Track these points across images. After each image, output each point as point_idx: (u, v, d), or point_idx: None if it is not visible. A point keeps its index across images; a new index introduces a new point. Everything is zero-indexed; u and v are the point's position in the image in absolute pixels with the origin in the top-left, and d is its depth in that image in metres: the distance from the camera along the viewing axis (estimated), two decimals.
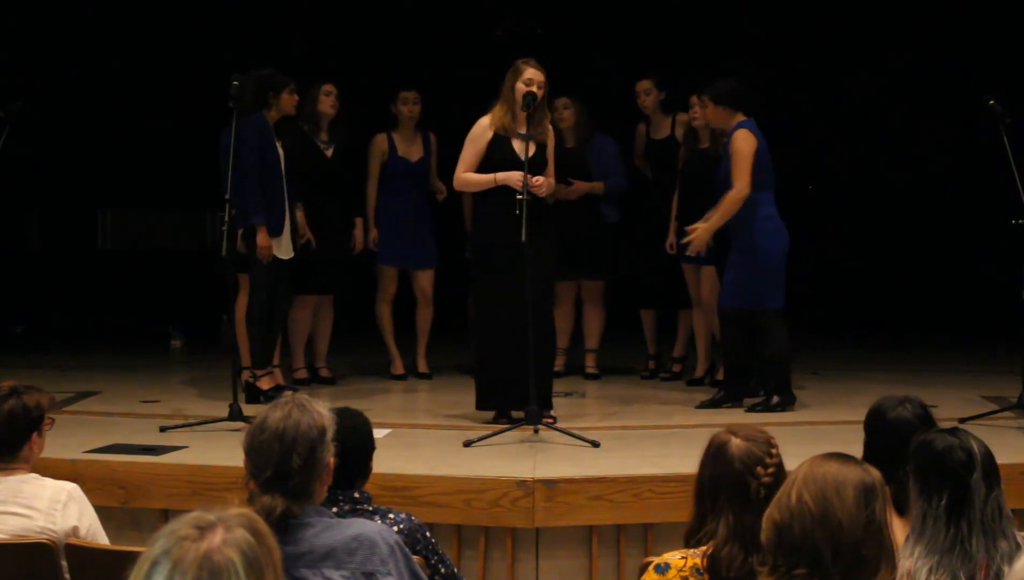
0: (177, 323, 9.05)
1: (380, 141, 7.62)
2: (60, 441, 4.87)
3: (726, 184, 6.43)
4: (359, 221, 7.53)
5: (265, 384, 6.57)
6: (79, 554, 3.46)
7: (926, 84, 10.09)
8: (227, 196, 5.87)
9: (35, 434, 3.65)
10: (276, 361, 6.82)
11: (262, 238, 6.46)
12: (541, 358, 5.79)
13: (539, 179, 5.95)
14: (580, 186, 7.42)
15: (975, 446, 2.85)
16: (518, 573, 4.82)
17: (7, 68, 9.40)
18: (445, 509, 4.81)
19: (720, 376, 7.00)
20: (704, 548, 2.83)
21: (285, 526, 2.71)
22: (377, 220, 7.59)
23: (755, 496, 2.80)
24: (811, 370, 7.83)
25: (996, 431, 5.62)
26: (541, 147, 6.09)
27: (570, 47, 10.00)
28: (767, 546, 2.45)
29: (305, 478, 2.78)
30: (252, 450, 2.81)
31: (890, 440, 3.33)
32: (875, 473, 2.47)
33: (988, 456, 2.85)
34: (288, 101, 6.65)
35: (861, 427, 3.55)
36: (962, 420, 5.57)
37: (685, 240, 6.58)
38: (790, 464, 2.70)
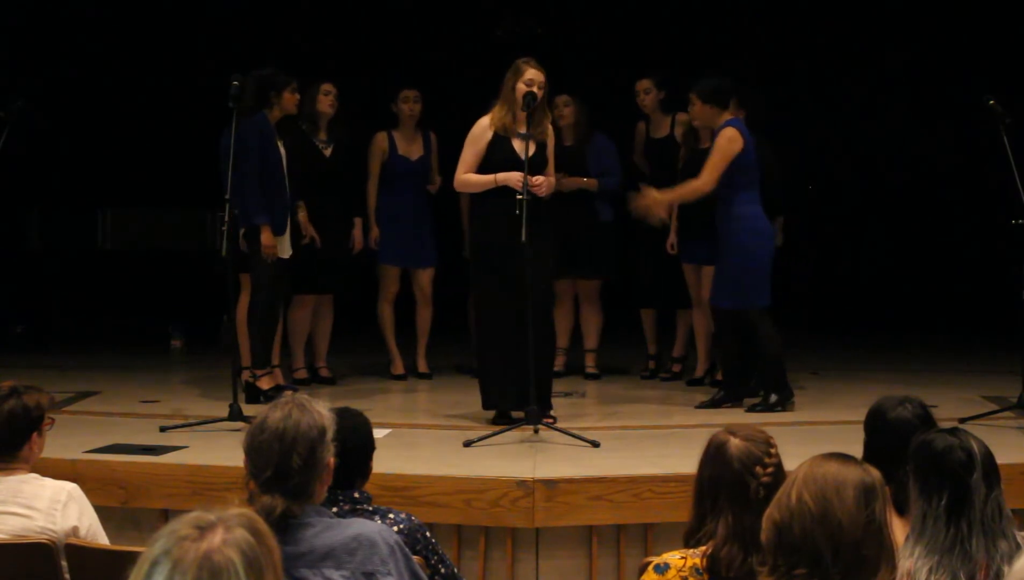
0: (177, 323, 9.05)
1: (380, 140, 7.62)
2: (60, 441, 4.87)
3: (721, 181, 6.46)
4: (358, 221, 7.53)
5: (265, 384, 6.57)
6: (79, 554, 3.46)
7: (926, 84, 10.09)
8: (227, 196, 5.87)
9: (35, 434, 3.65)
10: (276, 361, 6.82)
11: (266, 237, 6.46)
12: (541, 358, 5.80)
13: (539, 178, 5.95)
14: (574, 180, 7.42)
15: (975, 446, 2.85)
16: (518, 573, 4.82)
17: (7, 68, 9.40)
18: (445, 509, 4.81)
19: (720, 376, 7.00)
20: (704, 548, 2.83)
21: (285, 526, 2.71)
22: (377, 219, 7.59)
23: (754, 496, 2.80)
24: (811, 370, 7.84)
25: (996, 431, 5.62)
26: (541, 146, 6.09)
27: (570, 47, 10.01)
28: (767, 546, 2.45)
29: (305, 478, 2.78)
30: (252, 450, 2.81)
31: (890, 440, 3.34)
32: (875, 473, 2.47)
33: (988, 456, 2.85)
34: (290, 100, 6.65)
35: (861, 427, 3.55)
36: (962, 420, 5.57)
37: (637, 201, 6.56)
38: (790, 464, 2.70)
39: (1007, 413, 6.10)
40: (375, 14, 10.22)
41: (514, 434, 5.65)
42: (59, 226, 9.75)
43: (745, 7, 10.24)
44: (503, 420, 5.98)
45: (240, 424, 5.58)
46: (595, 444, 5.43)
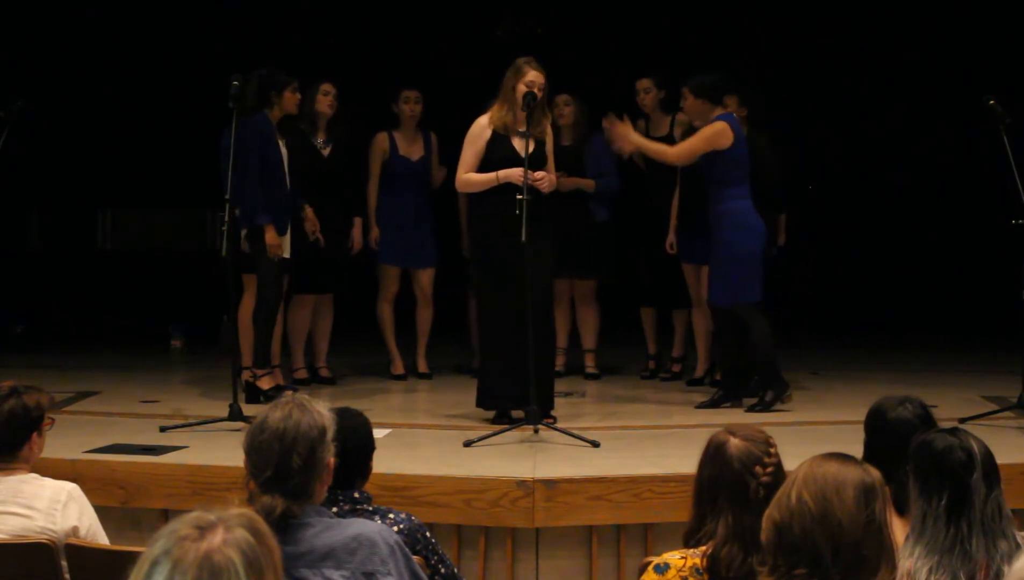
0: (177, 323, 9.05)
1: (381, 140, 7.62)
2: (60, 441, 4.86)
3: (709, 175, 6.49)
4: (358, 221, 7.53)
5: (265, 384, 6.57)
6: (79, 554, 3.46)
7: (926, 84, 10.09)
8: (227, 196, 5.87)
9: (35, 434, 3.65)
10: (276, 361, 6.82)
11: (271, 237, 6.46)
12: (542, 358, 5.80)
13: (541, 173, 5.97)
14: (572, 180, 7.43)
15: (975, 446, 2.85)
16: (518, 573, 4.82)
17: (7, 68, 9.40)
18: (445, 509, 4.81)
19: (720, 376, 7.00)
20: (704, 548, 2.83)
21: (285, 526, 2.71)
22: (378, 219, 7.59)
23: (754, 496, 2.80)
24: (811, 370, 7.84)
25: (996, 431, 5.62)
26: (540, 144, 6.10)
27: (570, 47, 10.00)
28: (767, 546, 2.45)
29: (305, 478, 2.78)
30: (252, 450, 2.81)
31: (890, 440, 3.33)
32: (875, 473, 2.47)
33: (988, 456, 2.85)
34: (291, 100, 6.65)
35: (861, 427, 3.54)
36: (962, 420, 5.57)
37: (613, 123, 6.56)
38: (790, 464, 2.70)
39: (1007, 413, 6.11)
40: (375, 14, 10.22)
41: (514, 434, 5.65)
42: (59, 226, 9.76)
43: (745, 7, 10.24)
44: (503, 420, 5.99)
45: (240, 424, 5.58)
46: (595, 444, 5.43)
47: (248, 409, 5.82)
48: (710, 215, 6.52)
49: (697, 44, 9.92)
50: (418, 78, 8.01)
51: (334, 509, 3.18)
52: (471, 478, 4.87)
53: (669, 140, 7.51)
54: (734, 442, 2.88)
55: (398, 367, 7.72)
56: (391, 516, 3.34)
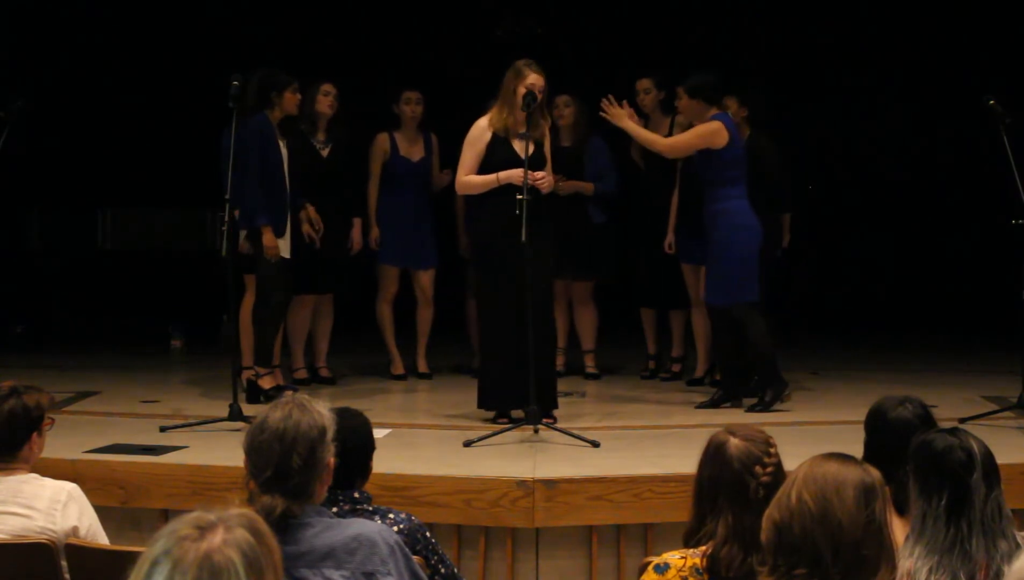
0: (177, 323, 9.05)
1: (382, 140, 7.62)
2: (60, 441, 4.86)
3: (704, 175, 6.51)
4: (357, 221, 7.52)
5: (266, 383, 6.57)
6: (79, 554, 3.46)
7: (926, 84, 10.09)
8: (227, 196, 5.87)
9: (35, 434, 3.65)
10: (276, 361, 6.82)
11: (268, 238, 6.46)
12: (543, 358, 5.80)
13: (541, 173, 5.98)
14: (570, 183, 7.43)
15: (975, 446, 2.85)
16: (518, 573, 4.82)
17: (7, 68, 9.40)
18: (445, 509, 4.81)
19: (720, 376, 7.00)
20: (704, 548, 2.83)
21: (285, 526, 2.71)
22: (378, 219, 7.60)
23: (754, 496, 2.80)
24: (811, 370, 7.84)
25: (996, 431, 5.62)
26: (538, 145, 6.10)
27: (570, 47, 10.00)
28: (767, 546, 2.45)
29: (305, 478, 2.78)
30: (252, 450, 2.81)
31: (890, 440, 3.34)
32: (875, 473, 2.47)
33: (988, 456, 2.85)
34: (291, 100, 6.65)
35: (861, 427, 3.54)
36: (962, 420, 5.57)
37: (611, 106, 6.56)
38: (790, 464, 2.70)
39: (1007, 413, 6.10)
40: (375, 14, 10.22)
41: (514, 434, 5.65)
42: (59, 226, 9.75)
43: (745, 7, 10.24)
44: (503, 419, 5.99)
45: (240, 424, 5.58)
46: (595, 444, 5.43)
47: (248, 409, 5.83)
48: (705, 215, 6.53)
49: (697, 44, 9.92)
50: (418, 78, 8.01)
51: (334, 509, 3.18)
52: (471, 478, 4.87)
53: None
54: (734, 442, 2.88)
55: (398, 367, 7.72)
56: (391, 516, 3.34)
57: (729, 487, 2.83)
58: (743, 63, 9.72)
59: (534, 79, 5.97)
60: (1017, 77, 8.74)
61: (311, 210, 7.02)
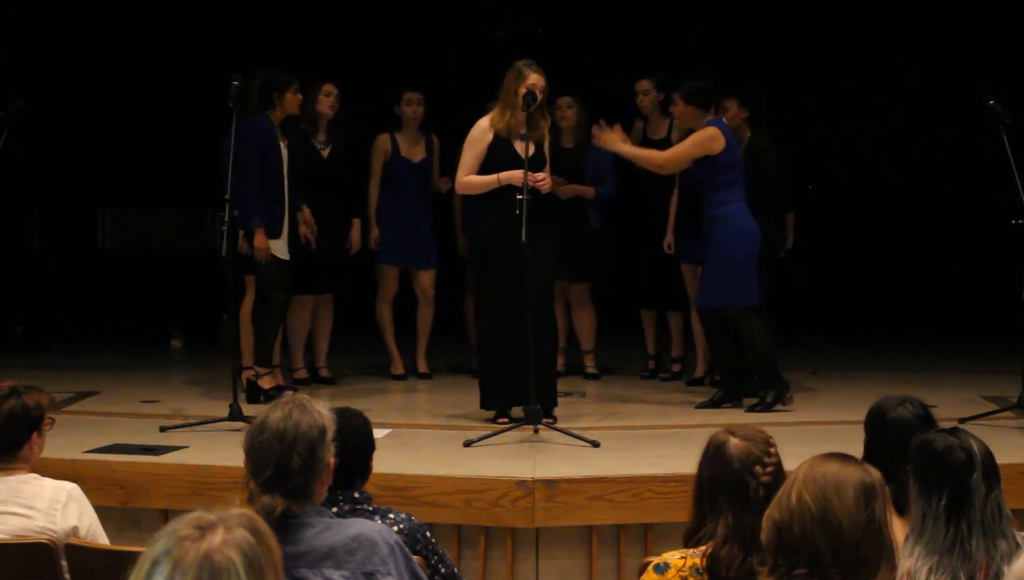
0: (177, 323, 9.05)
1: (383, 141, 7.62)
2: (60, 441, 4.86)
3: (701, 181, 6.51)
4: (356, 221, 7.52)
5: (266, 383, 6.57)
6: (79, 554, 3.46)
7: (926, 84, 10.09)
8: (227, 197, 5.87)
9: (35, 434, 3.65)
10: (276, 361, 6.82)
11: (259, 240, 6.46)
12: (543, 358, 5.80)
13: (541, 174, 5.99)
14: (571, 187, 7.43)
15: (975, 446, 2.85)
16: (518, 573, 4.82)
17: (7, 68, 9.39)
18: (445, 509, 4.81)
19: (720, 376, 7.00)
20: (704, 548, 2.83)
21: (285, 526, 2.71)
22: (378, 220, 7.60)
23: (754, 496, 2.80)
24: (811, 370, 7.84)
25: (996, 431, 5.62)
26: (538, 146, 6.10)
27: (570, 47, 10.00)
28: (767, 546, 2.45)
29: (305, 478, 2.78)
30: (252, 450, 2.81)
31: (890, 440, 3.33)
32: (875, 473, 2.47)
33: (988, 456, 2.85)
34: (292, 101, 6.65)
35: (861, 427, 3.54)
36: (962, 420, 5.57)
37: (602, 131, 6.56)
38: (790, 464, 2.70)
39: (1007, 413, 6.11)
40: (375, 14, 10.22)
41: (514, 434, 5.65)
42: (59, 226, 9.75)
43: (745, 7, 10.24)
44: (504, 419, 5.98)
45: (240, 424, 5.58)
46: (595, 444, 5.43)
47: (248, 409, 5.82)
48: (704, 219, 6.52)
49: (697, 44, 9.92)
50: (418, 78, 8.01)
51: (334, 509, 3.18)
52: (471, 478, 4.87)
53: (667, 143, 7.50)
54: (734, 442, 2.88)
55: (398, 367, 7.73)
56: (391, 516, 3.34)
57: (729, 487, 2.83)
58: (743, 63, 9.72)
59: (534, 79, 5.97)
60: (1017, 77, 8.74)
61: (306, 212, 7.02)
